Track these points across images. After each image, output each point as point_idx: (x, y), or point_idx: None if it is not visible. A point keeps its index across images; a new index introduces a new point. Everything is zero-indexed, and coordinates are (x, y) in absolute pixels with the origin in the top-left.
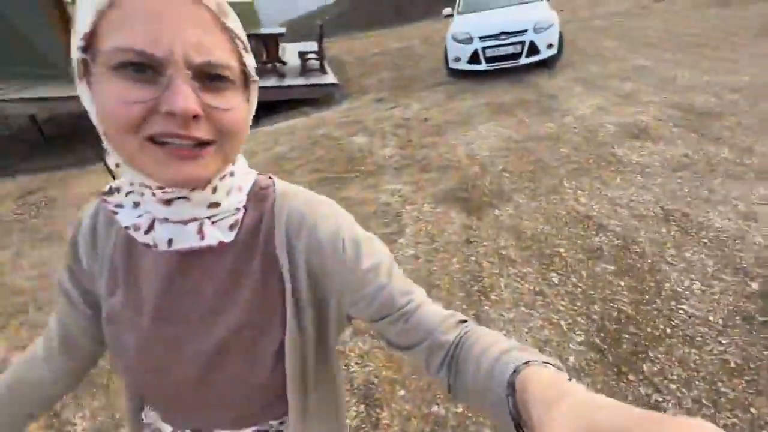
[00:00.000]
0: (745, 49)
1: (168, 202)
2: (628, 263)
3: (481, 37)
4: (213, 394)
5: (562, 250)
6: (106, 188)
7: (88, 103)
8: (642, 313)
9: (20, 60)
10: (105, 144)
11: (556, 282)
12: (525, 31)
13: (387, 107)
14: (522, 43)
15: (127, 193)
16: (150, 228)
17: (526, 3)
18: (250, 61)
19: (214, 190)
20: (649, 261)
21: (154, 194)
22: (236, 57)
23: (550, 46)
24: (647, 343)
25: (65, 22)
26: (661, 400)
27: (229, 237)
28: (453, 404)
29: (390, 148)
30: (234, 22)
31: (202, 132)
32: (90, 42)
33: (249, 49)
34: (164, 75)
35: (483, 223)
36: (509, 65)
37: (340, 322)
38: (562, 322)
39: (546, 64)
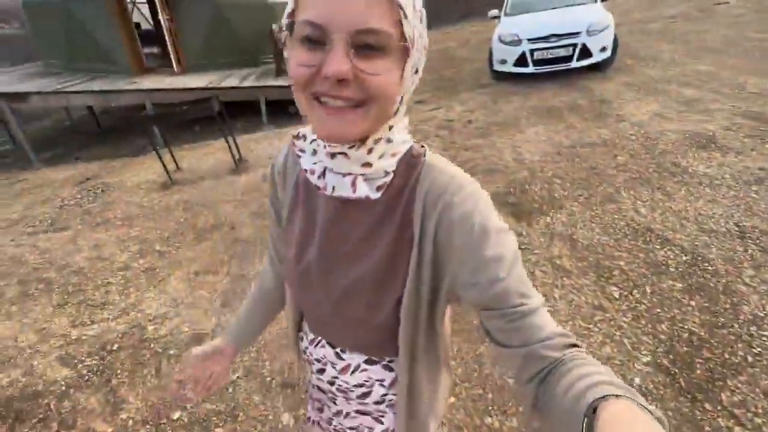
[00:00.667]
0: None
1: (332, 155)
2: (698, 282)
3: (529, 39)
4: (340, 323)
5: (622, 263)
6: (296, 133)
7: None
8: (717, 336)
9: (85, 55)
10: None
11: (617, 296)
12: (578, 33)
13: (428, 108)
14: (573, 45)
15: (311, 141)
16: (322, 174)
17: (578, 5)
18: (408, 29)
19: (369, 151)
20: (723, 281)
21: (324, 147)
22: (395, 25)
23: (603, 49)
24: (725, 370)
25: (126, 20)
26: None
27: (375, 195)
28: (507, 416)
29: (433, 149)
30: None
31: (350, 93)
32: (291, 18)
33: (408, 17)
34: (329, 44)
35: (533, 230)
36: (559, 68)
37: (450, 297)
38: (626, 340)
39: (599, 68)
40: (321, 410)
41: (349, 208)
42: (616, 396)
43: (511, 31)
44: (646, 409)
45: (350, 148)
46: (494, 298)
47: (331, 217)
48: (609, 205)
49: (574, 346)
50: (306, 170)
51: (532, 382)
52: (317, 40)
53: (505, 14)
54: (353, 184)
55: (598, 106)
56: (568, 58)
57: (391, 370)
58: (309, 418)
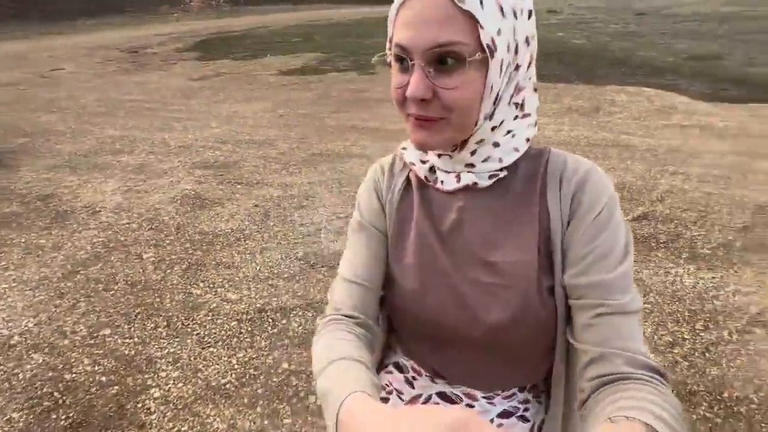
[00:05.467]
0: (214, 105)
1: (439, 155)
2: None
3: None
4: (477, 342)
5: (293, 366)
6: (403, 145)
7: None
8: None
9: None
10: None
11: None
12: None
13: None
14: None
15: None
16: (432, 171)
17: None
18: (485, 36)
19: (473, 153)
20: None
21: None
22: (470, 34)
23: None
24: None
25: None
26: None
27: (485, 183)
28: None
29: None
30: (471, 2)
31: (431, 111)
32: (390, 41)
33: (485, 26)
34: (411, 64)
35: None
36: None
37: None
38: None
39: None
40: None
41: (473, 198)
42: (627, 418)
43: None
44: None
45: (453, 150)
46: (588, 286)
47: (453, 211)
48: (199, 313)
49: (658, 373)
50: (414, 164)
51: (590, 382)
52: (404, 59)
53: None
54: (458, 177)
55: (44, 208)
56: None
57: (527, 420)
58: None
